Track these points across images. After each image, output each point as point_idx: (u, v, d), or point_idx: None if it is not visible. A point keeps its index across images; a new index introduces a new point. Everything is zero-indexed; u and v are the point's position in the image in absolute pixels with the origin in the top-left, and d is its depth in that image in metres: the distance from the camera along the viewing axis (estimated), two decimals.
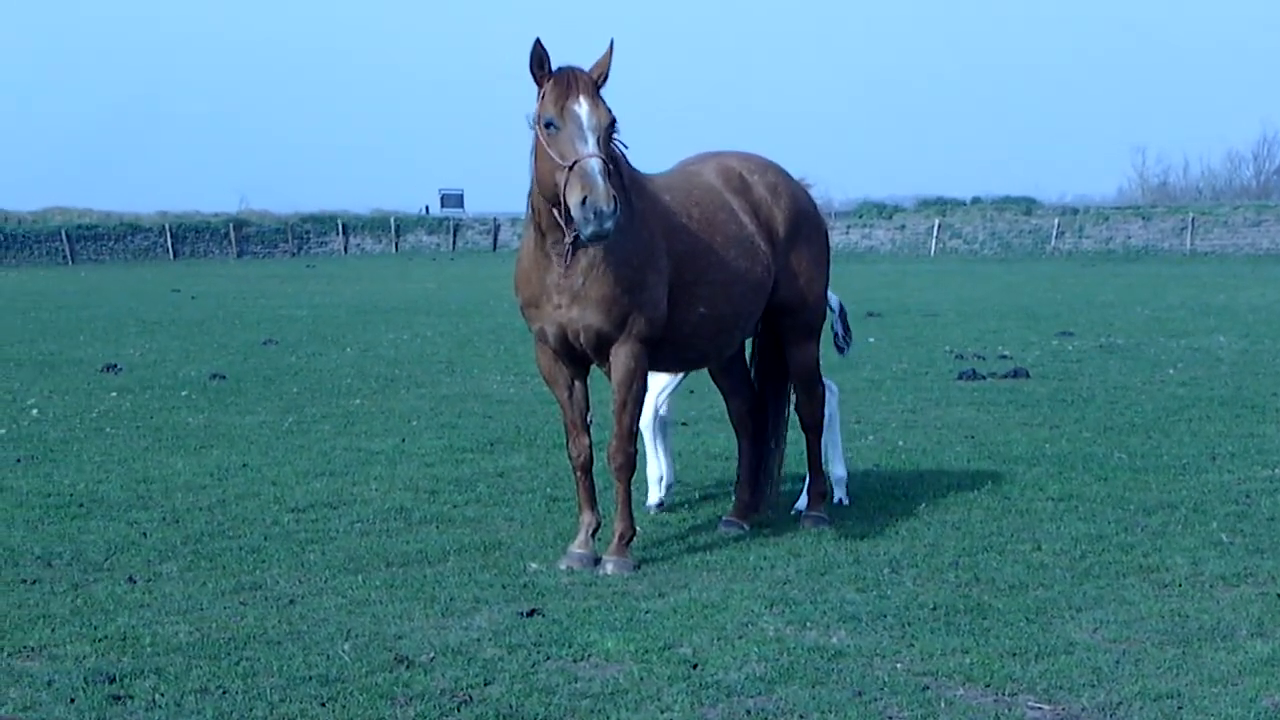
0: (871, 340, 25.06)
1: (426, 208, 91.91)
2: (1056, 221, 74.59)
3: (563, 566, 9.71)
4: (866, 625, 8.40)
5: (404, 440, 15.08)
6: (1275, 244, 68.71)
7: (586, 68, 9.30)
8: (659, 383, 11.53)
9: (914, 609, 8.73)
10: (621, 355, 9.66)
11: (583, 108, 9.03)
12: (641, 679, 7.48)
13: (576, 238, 9.13)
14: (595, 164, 8.81)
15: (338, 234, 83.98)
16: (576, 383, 9.98)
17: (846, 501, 11.77)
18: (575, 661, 7.79)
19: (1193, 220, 71.60)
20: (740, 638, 8.15)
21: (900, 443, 14.75)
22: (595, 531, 9.93)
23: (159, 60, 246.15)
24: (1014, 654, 7.86)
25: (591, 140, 8.94)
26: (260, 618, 8.57)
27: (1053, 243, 73.69)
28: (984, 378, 20.13)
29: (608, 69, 9.34)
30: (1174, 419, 16.16)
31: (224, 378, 20.73)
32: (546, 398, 18.39)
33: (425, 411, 17.33)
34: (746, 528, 10.86)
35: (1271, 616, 8.52)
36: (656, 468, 11.72)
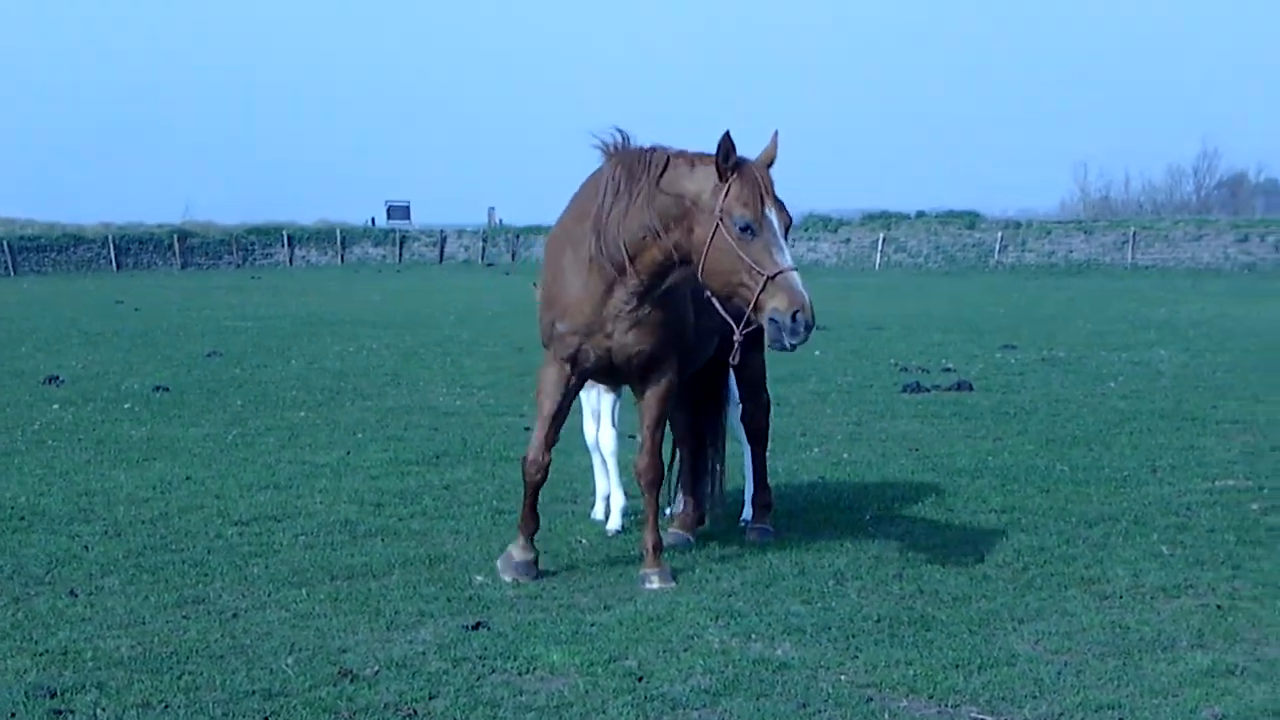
0: (817, 353, 25.15)
1: (373, 219, 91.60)
2: (1000, 235, 75.04)
3: (508, 579, 9.70)
4: (811, 637, 8.43)
5: (349, 453, 15.02)
6: (1215, 258, 69.37)
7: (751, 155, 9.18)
8: (604, 400, 11.54)
9: (858, 621, 8.77)
10: (667, 374, 9.85)
11: (775, 214, 8.99)
12: (587, 692, 7.48)
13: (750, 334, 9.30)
14: (800, 278, 8.90)
15: (283, 245, 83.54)
16: (568, 405, 10.01)
17: (752, 521, 11.59)
18: (521, 675, 7.79)
19: (1134, 234, 72.18)
20: (686, 650, 8.17)
21: (845, 455, 14.81)
22: (533, 535, 10.01)
23: (103, 71, 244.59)
24: (957, 665, 7.91)
25: (789, 251, 8.99)
26: (203, 631, 8.52)
27: (996, 256, 74.13)
28: (928, 390, 20.24)
29: (773, 159, 9.24)
30: (1115, 432, 16.30)
31: (167, 390, 20.59)
32: (493, 410, 18.40)
33: (371, 424, 17.27)
34: (692, 539, 10.89)
35: (1211, 628, 8.61)
36: (606, 486, 11.72)
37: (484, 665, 7.91)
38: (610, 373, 9.93)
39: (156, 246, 79.67)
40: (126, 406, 18.82)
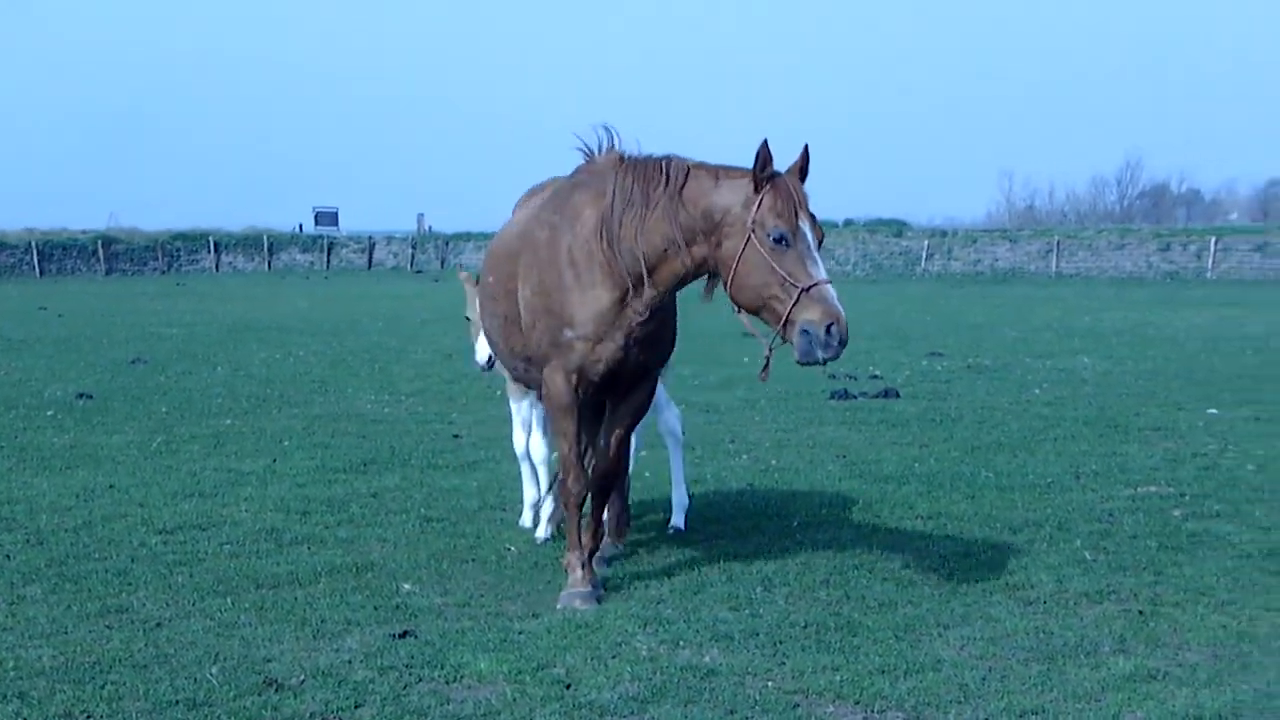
0: (746, 360, 25.22)
1: (300, 226, 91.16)
2: (926, 243, 75.61)
3: (562, 606, 9.35)
4: (739, 644, 8.45)
5: (275, 460, 14.92)
6: (1138, 267, 70.19)
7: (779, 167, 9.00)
8: (536, 409, 11.53)
9: (786, 627, 8.81)
10: (651, 384, 9.83)
11: (809, 226, 8.84)
12: (514, 700, 7.47)
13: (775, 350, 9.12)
14: (835, 291, 8.74)
15: (209, 251, 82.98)
16: (581, 416, 9.86)
17: (683, 529, 11.68)
18: (448, 683, 7.76)
19: (1058, 243, 72.92)
20: (614, 657, 8.17)
21: (773, 462, 14.87)
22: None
23: (25, 75, 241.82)
24: (883, 671, 7.96)
25: (822, 263, 8.84)
26: (126, 641, 8.44)
27: (923, 264, 74.68)
28: (855, 397, 20.35)
29: (805, 171, 9.06)
30: (1039, 438, 16.45)
31: (91, 397, 20.38)
32: (422, 418, 18.33)
33: (297, 431, 17.17)
34: (621, 547, 10.88)
35: (1134, 633, 8.70)
36: (534, 494, 11.74)
37: (411, 674, 7.88)
38: (610, 384, 9.63)
39: (80, 252, 78.95)
40: (49, 414, 18.61)
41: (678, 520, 11.67)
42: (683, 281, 9.34)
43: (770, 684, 7.76)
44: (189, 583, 9.83)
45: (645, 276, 9.25)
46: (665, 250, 9.19)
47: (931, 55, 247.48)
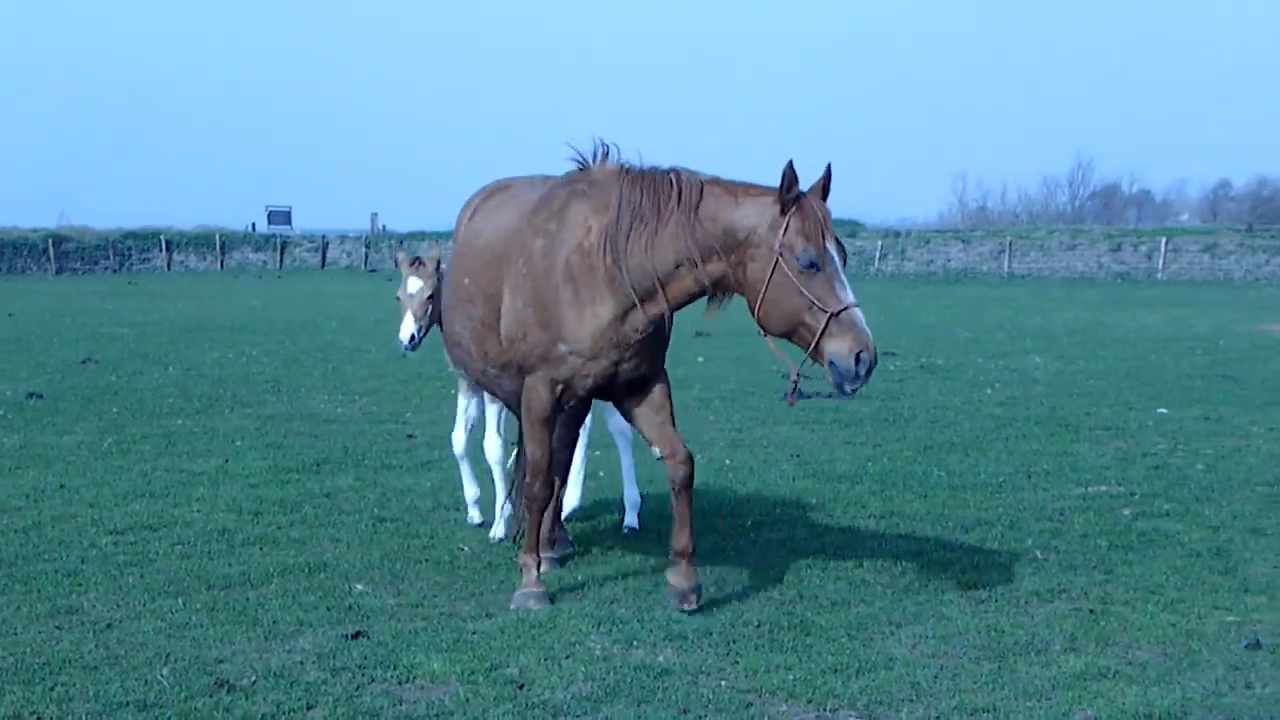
0: (701, 360, 25.25)
1: (253, 224, 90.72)
2: (880, 244, 75.86)
3: (515, 606, 9.33)
4: (692, 643, 8.46)
5: (227, 461, 14.85)
6: (1089, 267, 70.62)
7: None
8: (489, 409, 11.57)
9: (739, 626, 8.83)
10: (661, 379, 9.57)
11: (834, 247, 8.73)
12: (467, 700, 7.46)
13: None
14: (862, 314, 8.66)
15: (161, 250, 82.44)
16: (558, 427, 9.92)
17: (637, 528, 11.77)
18: (400, 684, 7.74)
19: (1010, 244, 73.29)
20: (567, 657, 8.17)
21: (727, 461, 14.90)
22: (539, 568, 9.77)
23: None
24: (836, 670, 7.99)
25: (848, 284, 8.73)
26: (76, 642, 8.38)
27: (876, 265, 74.92)
28: (809, 397, 20.40)
29: (826, 191, 8.94)
30: (991, 438, 16.54)
31: (41, 397, 20.23)
32: (376, 418, 18.27)
33: (250, 431, 17.09)
34: (572, 543, 10.92)
35: (1084, 631, 8.76)
36: (474, 491, 11.83)
37: (363, 674, 7.86)
38: (603, 391, 9.55)
39: (30, 251, 78.24)
40: None
41: (631, 520, 11.70)
42: (693, 298, 9.17)
43: (724, 683, 7.78)
44: (140, 583, 9.78)
45: (657, 292, 9.07)
46: (678, 266, 9.01)
47: (885, 58, 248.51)
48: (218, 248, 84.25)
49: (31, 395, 20.34)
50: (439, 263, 11.73)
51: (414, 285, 11.84)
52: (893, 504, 12.63)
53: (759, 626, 8.83)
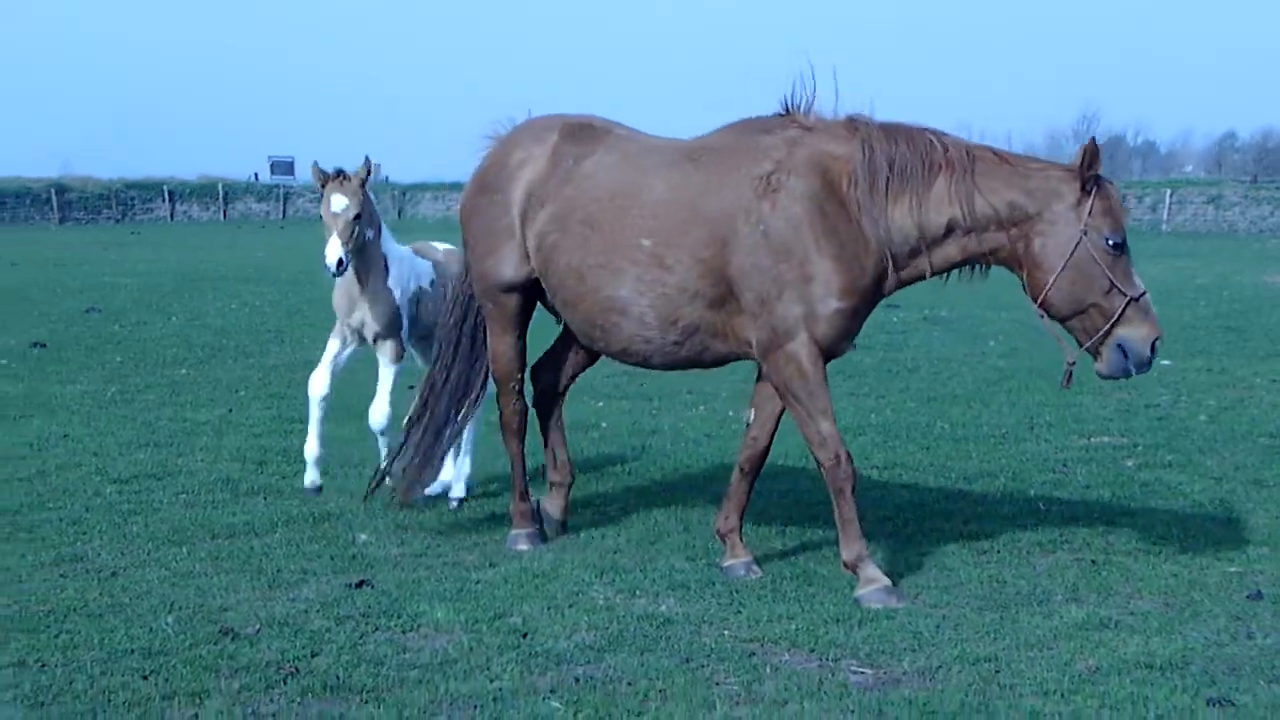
0: None
1: (256, 175, 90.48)
2: None
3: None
4: (695, 593, 8.49)
5: (231, 410, 14.87)
6: None
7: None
8: (386, 373, 11.08)
9: (742, 577, 8.84)
10: None
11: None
12: (471, 648, 7.48)
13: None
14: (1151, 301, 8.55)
15: (164, 200, 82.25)
16: None
17: (455, 503, 10.89)
18: (404, 632, 7.77)
19: None
20: (570, 606, 8.19)
21: (730, 412, 14.89)
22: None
23: None
24: (838, 620, 8.01)
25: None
26: (81, 590, 8.41)
27: None
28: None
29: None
30: (994, 390, 16.54)
31: (45, 346, 20.24)
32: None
33: (253, 381, 17.10)
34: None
35: (1086, 582, 8.78)
36: (317, 448, 11.08)
37: (367, 623, 7.89)
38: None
39: (34, 201, 78.07)
40: (3, 363, 18.47)
41: (459, 490, 11.01)
42: (952, 267, 8.82)
43: (726, 632, 7.80)
44: (144, 532, 9.81)
45: (920, 254, 8.69)
46: (949, 233, 8.63)
47: (888, 7, 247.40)
48: (221, 198, 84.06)
49: (35, 344, 20.34)
50: (365, 180, 10.50)
51: (338, 203, 10.41)
52: (896, 455, 12.64)
53: (762, 577, 8.85)
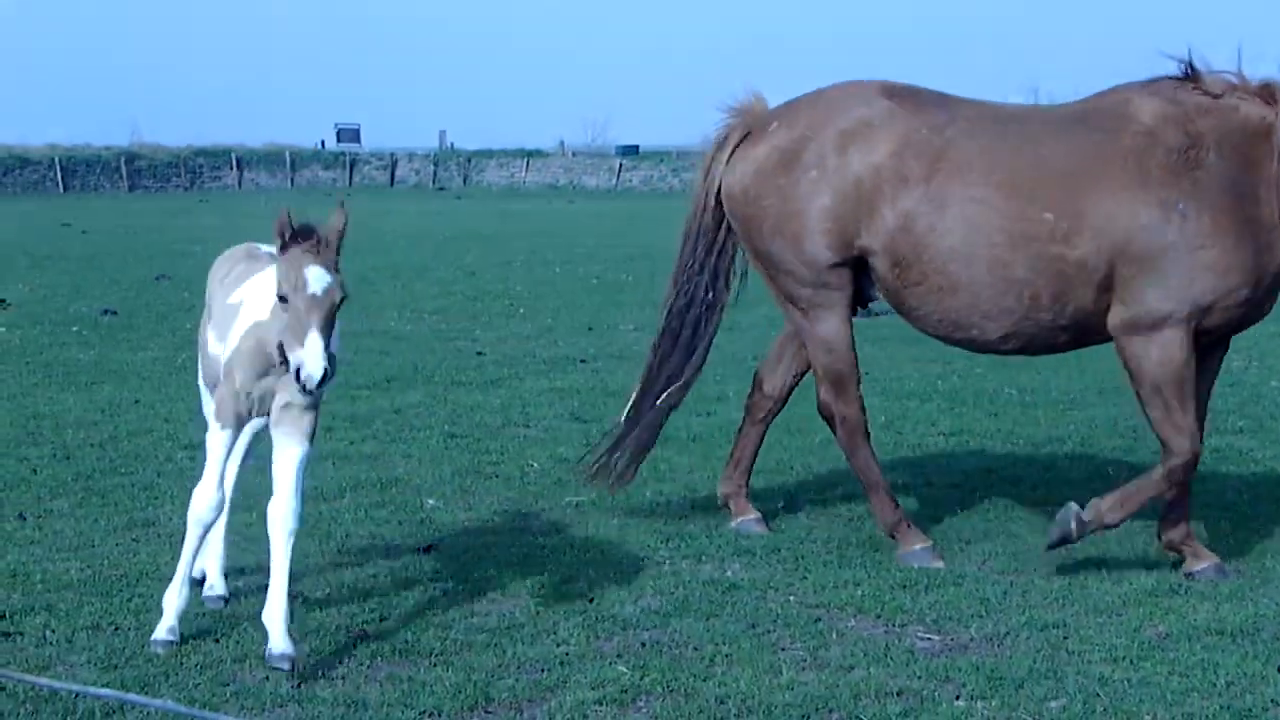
0: None
1: (322, 142, 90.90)
2: None
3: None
4: (761, 559, 8.49)
5: None
6: None
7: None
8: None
9: (808, 543, 8.85)
10: None
11: None
12: (537, 613, 7.52)
13: None
14: None
15: (232, 168, 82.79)
16: None
17: (222, 602, 7.78)
18: (472, 597, 7.82)
19: None
20: (636, 572, 8.22)
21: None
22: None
23: None
24: (904, 586, 7.99)
25: None
26: (153, 554, 8.51)
27: None
28: (878, 316, 20.25)
29: None
30: (1064, 354, 16.36)
31: (115, 313, 20.44)
32: (445, 335, 18.34)
33: None
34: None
35: (1156, 549, 8.71)
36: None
37: (435, 588, 7.95)
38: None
39: (104, 168, 78.80)
40: (74, 330, 18.68)
41: (220, 587, 7.82)
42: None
43: (792, 598, 7.81)
44: None
45: None
46: None
47: None
48: (288, 165, 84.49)
49: (106, 311, 20.55)
50: (342, 237, 7.35)
51: (318, 280, 7.05)
52: (963, 421, 12.57)
53: (827, 543, 8.86)
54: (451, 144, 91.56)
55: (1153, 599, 7.79)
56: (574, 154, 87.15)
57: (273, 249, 7.07)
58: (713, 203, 9.14)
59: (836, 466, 10.78)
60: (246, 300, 7.17)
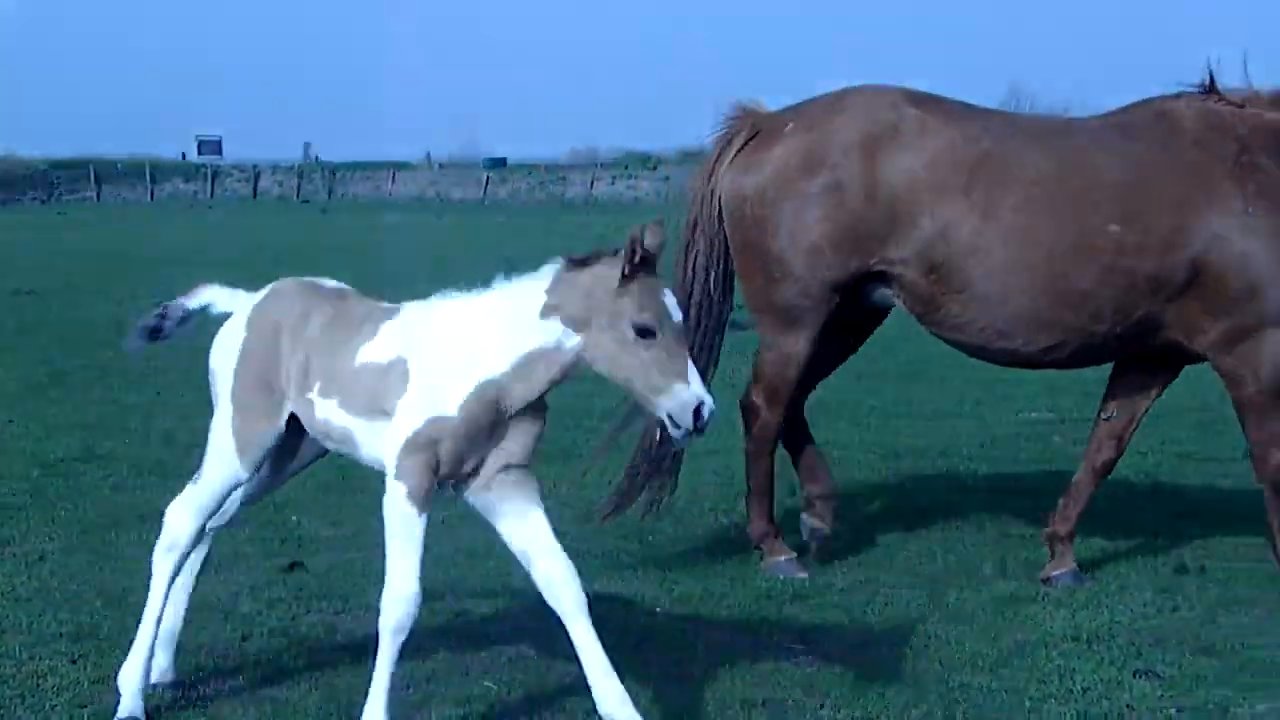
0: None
1: (183, 154, 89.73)
2: None
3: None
4: (629, 572, 8.50)
5: (160, 393, 14.75)
6: None
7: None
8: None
9: (674, 556, 8.88)
10: None
11: None
12: None
13: None
14: None
15: (91, 181, 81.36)
16: None
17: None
18: (337, 614, 7.75)
19: None
20: (504, 587, 8.18)
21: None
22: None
23: None
24: (769, 596, 8.09)
25: None
26: (9, 575, 8.33)
27: None
28: (744, 329, 20.37)
29: None
30: (926, 367, 16.62)
31: None
32: None
33: (184, 364, 16.92)
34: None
35: (1014, 557, 8.90)
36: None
37: (299, 605, 7.87)
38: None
39: None
40: None
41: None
42: None
43: (659, 610, 7.85)
44: (72, 516, 9.72)
45: None
46: None
47: None
48: (148, 178, 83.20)
49: None
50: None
51: (677, 309, 5.96)
52: (828, 433, 12.62)
53: (694, 555, 8.91)
54: (316, 156, 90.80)
55: (1012, 605, 7.93)
56: (441, 166, 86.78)
57: (337, 283, 6.71)
58: (717, 207, 8.87)
59: (698, 478, 10.83)
60: (417, 355, 6.09)
